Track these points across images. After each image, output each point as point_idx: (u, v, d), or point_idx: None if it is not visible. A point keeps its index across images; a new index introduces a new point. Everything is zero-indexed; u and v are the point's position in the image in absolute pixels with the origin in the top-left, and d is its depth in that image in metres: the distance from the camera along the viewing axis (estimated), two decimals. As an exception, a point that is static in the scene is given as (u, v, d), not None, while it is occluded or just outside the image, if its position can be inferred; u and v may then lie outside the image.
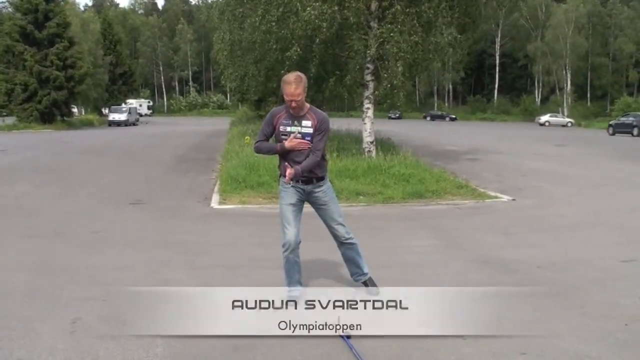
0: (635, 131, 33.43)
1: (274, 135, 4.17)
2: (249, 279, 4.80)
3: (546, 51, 61.00)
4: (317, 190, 4.16)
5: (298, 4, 12.10)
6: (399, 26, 12.36)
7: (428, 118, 66.10)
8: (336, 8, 12.12)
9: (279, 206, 4.18)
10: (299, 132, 4.01)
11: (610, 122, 37.91)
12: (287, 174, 3.95)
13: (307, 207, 4.24)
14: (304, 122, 4.02)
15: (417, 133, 31.77)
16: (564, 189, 11.13)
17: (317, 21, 11.90)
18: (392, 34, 12.28)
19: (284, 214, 4.09)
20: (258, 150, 4.22)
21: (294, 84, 3.88)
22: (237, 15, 14.74)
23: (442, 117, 65.45)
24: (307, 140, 4.02)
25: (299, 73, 4.02)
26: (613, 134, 35.05)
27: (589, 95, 64.92)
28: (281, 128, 4.05)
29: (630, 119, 35.29)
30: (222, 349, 3.42)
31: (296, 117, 4.02)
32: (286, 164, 4.05)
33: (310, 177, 4.10)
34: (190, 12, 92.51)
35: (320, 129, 4.04)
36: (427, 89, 72.58)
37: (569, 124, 52.31)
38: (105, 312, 3.99)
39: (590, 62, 62.94)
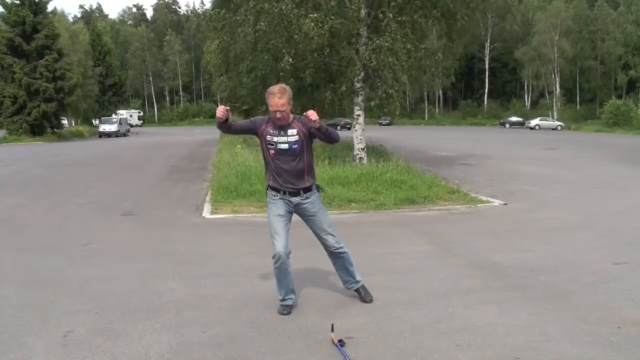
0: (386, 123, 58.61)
1: (255, 137, 4.29)
2: (242, 288, 4.79)
3: (535, 56, 61.39)
4: (304, 202, 4.17)
5: (291, 14, 12.09)
6: (392, 34, 12.41)
7: (507, 125, 57.07)
8: (333, 18, 12.11)
9: (267, 217, 4.20)
10: (287, 142, 4.05)
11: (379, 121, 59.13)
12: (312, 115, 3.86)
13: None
14: (290, 131, 4.07)
15: (408, 139, 31.87)
16: (555, 192, 11.18)
17: (315, 34, 11.87)
18: (385, 44, 12.30)
19: (272, 225, 4.11)
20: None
21: (277, 94, 3.93)
22: (228, 25, 14.74)
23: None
24: (295, 148, 4.05)
25: (283, 85, 4.09)
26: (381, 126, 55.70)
27: (578, 98, 65.40)
28: (268, 137, 4.10)
29: (387, 120, 59.21)
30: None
31: (282, 127, 4.07)
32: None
33: (297, 189, 4.13)
34: (178, 22, 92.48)
35: (310, 126, 4.00)
36: (418, 95, 72.51)
37: (559, 127, 52.68)
38: (97, 325, 3.95)
39: (579, 65, 63.48)
